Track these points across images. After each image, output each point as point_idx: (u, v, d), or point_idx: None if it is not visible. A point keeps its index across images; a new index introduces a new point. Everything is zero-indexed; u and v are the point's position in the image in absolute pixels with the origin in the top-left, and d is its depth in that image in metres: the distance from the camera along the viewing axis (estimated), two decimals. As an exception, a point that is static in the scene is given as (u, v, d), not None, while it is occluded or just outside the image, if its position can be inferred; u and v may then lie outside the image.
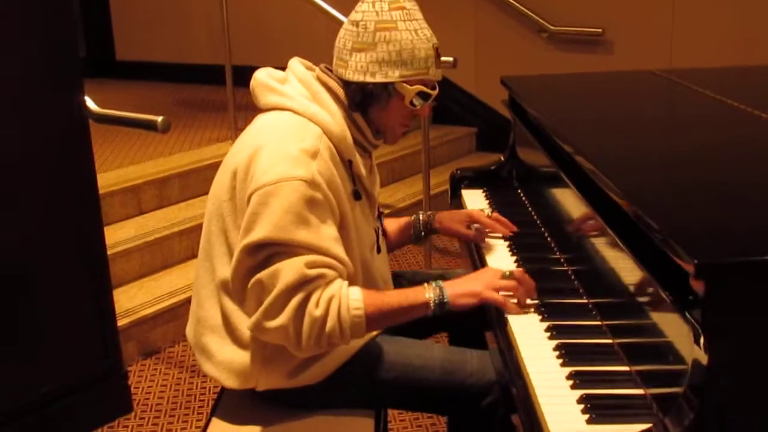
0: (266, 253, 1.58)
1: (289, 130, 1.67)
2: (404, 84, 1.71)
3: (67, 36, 2.51)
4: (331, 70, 1.77)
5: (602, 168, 1.61)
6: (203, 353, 1.80)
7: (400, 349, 1.81)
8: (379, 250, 1.89)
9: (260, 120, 1.76)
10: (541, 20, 4.91)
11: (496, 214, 2.18)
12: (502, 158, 2.60)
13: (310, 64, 1.80)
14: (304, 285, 1.57)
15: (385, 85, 1.71)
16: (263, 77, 1.77)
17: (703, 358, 1.13)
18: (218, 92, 5.37)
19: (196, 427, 2.74)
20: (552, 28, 4.90)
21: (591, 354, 1.51)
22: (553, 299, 1.73)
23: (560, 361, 1.49)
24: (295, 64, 1.79)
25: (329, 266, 1.60)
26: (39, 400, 2.56)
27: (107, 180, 3.70)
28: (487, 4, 5.10)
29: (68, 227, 2.59)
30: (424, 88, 1.73)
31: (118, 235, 3.46)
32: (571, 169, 1.82)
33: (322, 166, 1.63)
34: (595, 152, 1.75)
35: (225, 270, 1.71)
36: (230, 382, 1.76)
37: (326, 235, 1.61)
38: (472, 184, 2.56)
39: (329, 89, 1.73)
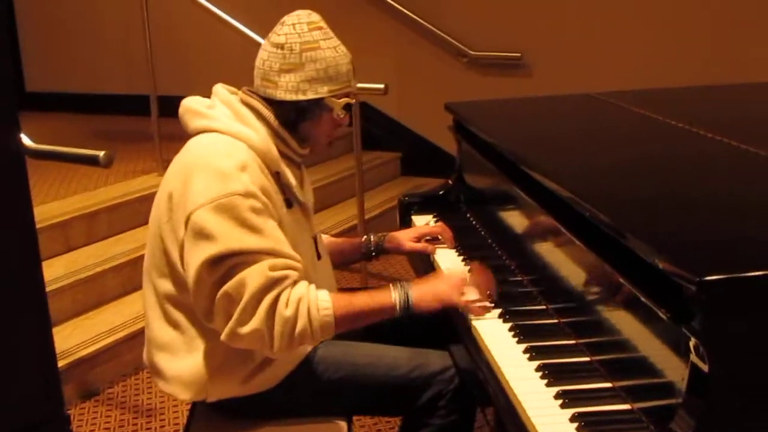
0: (227, 265, 1.64)
1: (216, 148, 1.74)
2: (332, 98, 1.81)
3: (2, 70, 2.42)
4: (252, 92, 1.84)
5: (580, 193, 1.64)
6: (156, 373, 1.87)
7: (347, 350, 1.89)
8: (319, 257, 1.95)
9: (190, 144, 1.83)
10: (460, 45, 5.01)
11: (440, 223, 2.36)
12: (450, 182, 2.64)
13: (233, 88, 1.88)
14: (272, 287, 1.65)
15: (317, 101, 1.80)
16: (190, 103, 1.86)
17: (704, 368, 1.17)
18: (138, 122, 5.25)
19: (146, 469, 2.65)
20: (471, 53, 5.01)
21: (574, 372, 1.55)
22: (524, 320, 1.76)
23: (545, 381, 1.52)
24: (219, 88, 1.88)
25: (290, 267, 1.69)
26: (-22, 451, 2.43)
27: (32, 216, 3.56)
28: (407, 30, 5.18)
29: (5, 266, 2.48)
30: (349, 100, 1.85)
31: (48, 273, 3.32)
32: (529, 187, 1.87)
33: (253, 176, 1.71)
34: (564, 175, 1.80)
35: (166, 283, 1.78)
36: (183, 395, 1.81)
37: (277, 238, 1.70)
38: (422, 210, 2.59)
39: (253, 108, 1.82)
